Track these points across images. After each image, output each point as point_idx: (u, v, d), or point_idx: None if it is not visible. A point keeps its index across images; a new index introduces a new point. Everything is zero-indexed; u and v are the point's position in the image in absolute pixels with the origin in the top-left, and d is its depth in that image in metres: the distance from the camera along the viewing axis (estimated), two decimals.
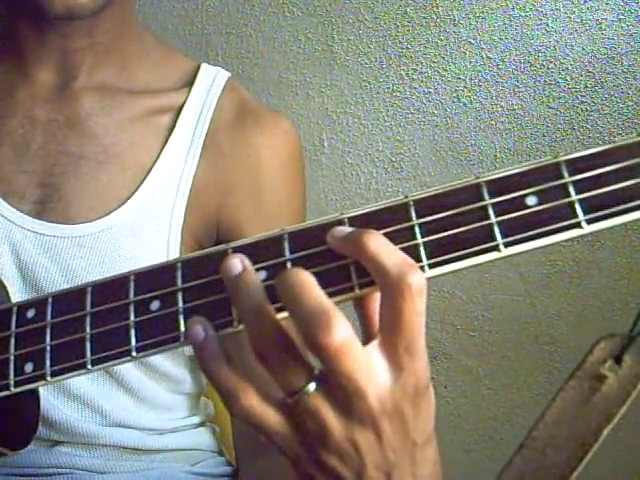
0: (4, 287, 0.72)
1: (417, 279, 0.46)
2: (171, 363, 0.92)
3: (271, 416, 0.50)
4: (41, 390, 0.69)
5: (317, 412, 0.48)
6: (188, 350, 0.93)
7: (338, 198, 1.67)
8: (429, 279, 0.48)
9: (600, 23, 1.61)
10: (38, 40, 0.88)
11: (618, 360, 0.43)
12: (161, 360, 0.91)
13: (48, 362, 0.55)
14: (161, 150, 0.90)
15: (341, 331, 0.45)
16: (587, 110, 1.62)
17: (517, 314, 1.69)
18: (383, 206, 0.49)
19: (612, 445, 1.69)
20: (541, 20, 1.62)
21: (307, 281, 0.47)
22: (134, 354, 0.53)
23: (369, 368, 0.47)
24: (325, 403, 0.48)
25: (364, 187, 1.69)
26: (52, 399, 0.86)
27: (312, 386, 0.48)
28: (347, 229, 0.49)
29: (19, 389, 0.57)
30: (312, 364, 0.49)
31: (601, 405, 0.43)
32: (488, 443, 1.71)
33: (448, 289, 1.69)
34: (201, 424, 1.00)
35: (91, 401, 0.88)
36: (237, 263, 0.50)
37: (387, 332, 0.48)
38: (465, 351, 1.71)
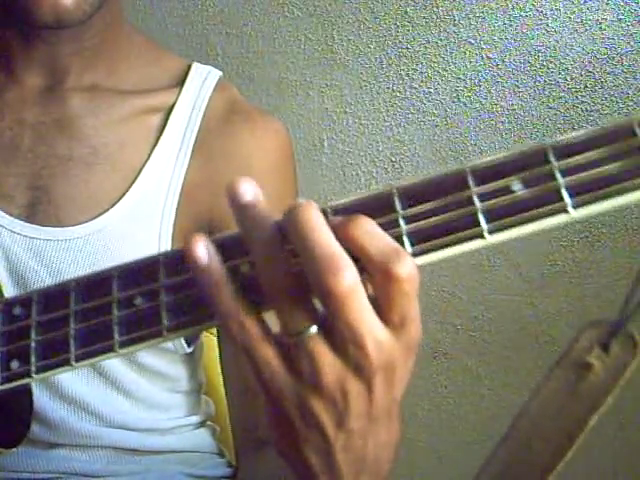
0: None
1: (404, 269, 0.46)
2: (165, 362, 0.92)
3: (266, 348, 0.49)
4: (37, 392, 0.69)
5: (314, 355, 0.48)
6: (181, 349, 0.92)
7: (338, 198, 1.67)
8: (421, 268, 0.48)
9: (600, 23, 1.61)
10: (26, 46, 0.88)
11: (605, 348, 0.43)
12: (155, 359, 0.90)
13: (33, 359, 0.55)
14: (151, 151, 0.89)
15: (349, 277, 0.45)
16: (587, 110, 1.61)
17: (517, 314, 1.69)
18: (367, 195, 0.49)
19: (612, 445, 1.68)
20: (541, 20, 1.62)
21: (317, 221, 0.47)
22: (117, 349, 0.52)
23: (371, 320, 0.47)
24: (324, 347, 0.48)
25: (364, 187, 1.68)
26: (48, 401, 0.86)
27: (314, 329, 0.48)
28: (337, 218, 0.49)
29: (5, 386, 0.57)
30: (317, 307, 0.49)
31: (587, 394, 0.42)
32: (488, 443, 1.69)
33: (448, 289, 1.69)
34: (201, 424, 1.00)
35: (87, 404, 0.87)
36: (251, 188, 0.50)
37: (380, 307, 0.48)
38: (465, 351, 1.71)
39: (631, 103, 1.62)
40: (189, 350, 0.94)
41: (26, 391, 0.69)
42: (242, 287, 0.49)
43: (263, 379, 0.50)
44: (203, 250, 0.49)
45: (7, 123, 0.89)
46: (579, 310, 1.67)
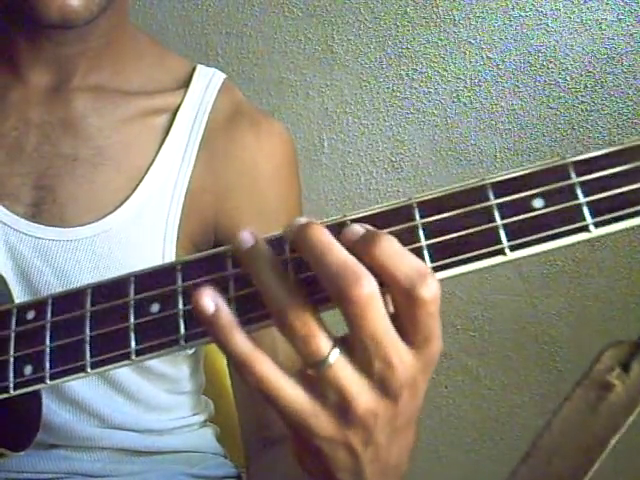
0: (6, 285, 0.72)
1: (428, 291, 0.46)
2: (168, 364, 0.92)
3: (288, 387, 0.49)
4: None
5: (340, 381, 0.48)
6: (184, 351, 0.92)
7: (338, 198, 1.67)
8: None
9: (600, 23, 1.61)
10: (31, 45, 0.87)
11: (626, 368, 0.43)
12: (157, 361, 0.90)
13: (47, 365, 0.55)
14: (157, 152, 0.89)
15: (369, 284, 0.46)
16: (587, 110, 1.62)
17: (517, 314, 1.69)
18: (386, 208, 0.48)
19: (612, 445, 1.69)
20: (541, 20, 1.62)
21: (328, 238, 0.47)
22: (133, 357, 0.52)
23: (393, 333, 0.47)
24: (348, 371, 0.48)
25: (364, 187, 1.68)
26: (49, 403, 0.85)
27: (335, 353, 0.48)
28: (361, 230, 0.48)
29: (18, 392, 0.56)
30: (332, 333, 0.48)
31: (608, 414, 0.42)
32: (488, 443, 1.71)
33: (448, 289, 1.69)
34: (203, 424, 1.00)
35: (88, 405, 0.87)
36: (248, 236, 0.50)
37: (404, 327, 0.48)
38: (465, 351, 1.71)
39: (631, 103, 1.62)
40: (191, 352, 0.94)
41: (36, 396, 0.69)
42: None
43: (291, 418, 0.50)
44: (209, 300, 0.49)
45: (12, 123, 0.88)
46: (579, 310, 1.67)
